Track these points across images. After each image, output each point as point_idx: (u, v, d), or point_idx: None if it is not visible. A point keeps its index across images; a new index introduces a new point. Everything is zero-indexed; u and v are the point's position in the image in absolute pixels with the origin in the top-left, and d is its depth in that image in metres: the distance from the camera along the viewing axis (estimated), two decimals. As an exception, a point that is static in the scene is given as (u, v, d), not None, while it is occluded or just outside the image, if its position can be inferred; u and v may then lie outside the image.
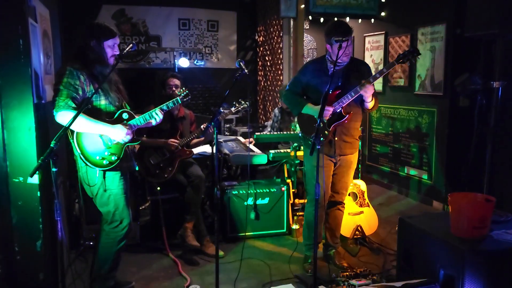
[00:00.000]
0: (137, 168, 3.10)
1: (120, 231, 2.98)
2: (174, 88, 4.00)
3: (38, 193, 2.77)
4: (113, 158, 2.83)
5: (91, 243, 3.86)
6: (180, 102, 3.17)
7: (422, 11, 5.31)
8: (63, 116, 2.65)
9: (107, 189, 2.88)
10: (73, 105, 2.67)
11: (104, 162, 2.81)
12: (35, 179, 2.72)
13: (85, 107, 2.64)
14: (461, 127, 4.92)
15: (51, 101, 2.73)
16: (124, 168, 2.95)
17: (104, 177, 2.86)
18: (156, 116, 2.98)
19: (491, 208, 2.83)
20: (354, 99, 3.23)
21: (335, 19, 5.74)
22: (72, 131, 2.74)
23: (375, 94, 3.40)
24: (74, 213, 4.11)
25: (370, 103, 3.30)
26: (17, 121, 2.70)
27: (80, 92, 2.72)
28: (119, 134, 2.80)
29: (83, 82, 2.73)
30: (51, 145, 2.17)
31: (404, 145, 5.78)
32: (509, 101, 4.01)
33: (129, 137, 2.84)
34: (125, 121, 2.89)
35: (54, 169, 2.21)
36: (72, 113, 2.61)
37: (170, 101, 3.09)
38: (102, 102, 2.84)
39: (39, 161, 2.16)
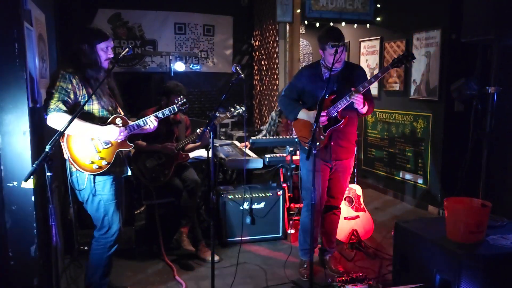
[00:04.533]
0: (129, 173, 3.07)
1: (110, 237, 2.95)
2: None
3: (33, 198, 2.75)
4: (104, 162, 2.81)
5: (86, 248, 3.83)
6: (176, 110, 3.17)
7: (417, 17, 5.34)
8: (54, 119, 2.64)
9: (97, 194, 2.85)
10: (64, 108, 2.66)
11: (94, 166, 2.78)
12: (29, 184, 2.70)
13: (80, 112, 2.63)
14: (457, 132, 4.94)
15: (43, 104, 2.71)
16: (117, 172, 2.93)
17: (94, 182, 2.83)
18: (150, 123, 2.97)
19: (487, 213, 2.83)
20: (349, 104, 3.24)
21: (331, 24, 5.78)
22: (63, 134, 2.71)
23: (371, 98, 3.41)
24: (68, 217, 4.08)
25: (363, 109, 3.30)
26: (11, 125, 2.68)
27: (72, 96, 2.71)
28: (112, 133, 2.78)
29: (75, 86, 2.72)
30: (46, 150, 2.15)
31: (399, 149, 5.79)
32: (505, 107, 4.03)
33: (122, 136, 2.81)
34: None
35: (48, 174, 2.19)
36: (63, 116, 2.60)
37: (167, 108, 3.09)
38: (95, 106, 2.82)
39: (34, 165, 2.15)
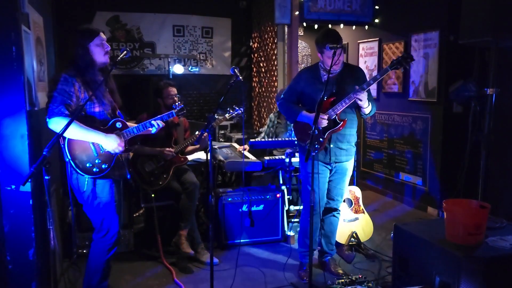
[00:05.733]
0: (128, 177, 3.08)
1: (109, 240, 2.94)
2: (175, 97, 4.00)
3: (31, 201, 2.74)
4: (104, 166, 2.80)
5: (84, 251, 3.82)
6: (174, 116, 3.17)
7: (416, 18, 5.35)
8: (56, 123, 2.63)
9: (97, 197, 2.85)
10: (66, 112, 2.65)
11: (94, 169, 2.78)
12: (27, 187, 2.69)
13: (79, 114, 2.63)
14: (455, 133, 4.94)
15: (44, 108, 2.71)
16: (116, 176, 2.93)
17: (94, 185, 2.83)
18: (157, 125, 2.99)
19: (486, 214, 2.83)
20: (349, 105, 3.23)
21: (329, 26, 5.78)
22: (64, 137, 2.71)
23: (372, 100, 3.41)
24: (67, 221, 4.07)
25: (367, 109, 3.30)
26: (9, 128, 2.67)
27: (74, 99, 2.71)
28: (112, 144, 2.78)
29: (77, 89, 2.72)
30: (44, 153, 2.15)
31: (398, 151, 5.79)
32: (503, 108, 4.03)
33: (121, 149, 2.82)
34: (118, 130, 2.86)
35: (46, 177, 2.18)
36: (65, 120, 2.59)
37: (165, 114, 3.09)
38: (96, 109, 2.82)
39: (32, 169, 2.14)
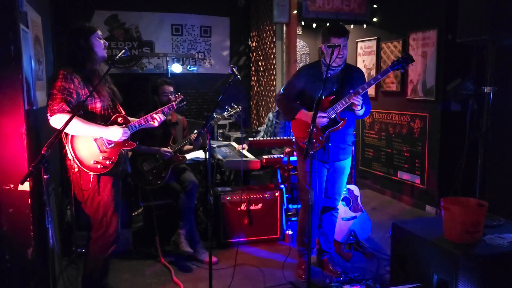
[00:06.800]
0: (129, 170, 3.09)
1: (107, 238, 2.95)
2: (170, 96, 4.00)
3: (29, 200, 2.74)
4: (108, 162, 2.81)
5: (83, 250, 3.82)
6: (175, 107, 3.18)
7: (414, 17, 5.35)
8: (57, 120, 2.63)
9: (99, 195, 2.85)
10: (68, 109, 2.65)
11: (99, 166, 2.79)
12: (26, 186, 2.69)
13: (79, 111, 2.63)
14: (453, 132, 4.96)
15: (44, 106, 2.70)
16: (119, 172, 2.94)
17: (97, 182, 2.84)
18: (157, 118, 3.00)
19: (484, 212, 2.84)
20: (347, 105, 3.24)
21: (327, 24, 5.79)
22: (66, 135, 2.72)
23: (368, 101, 3.41)
24: (66, 219, 4.07)
25: (360, 111, 3.30)
26: (8, 127, 2.67)
27: (75, 96, 2.71)
28: (116, 134, 2.79)
29: (77, 85, 2.72)
30: (43, 152, 2.15)
31: (396, 149, 5.80)
32: (501, 107, 4.04)
33: (127, 135, 2.83)
34: (120, 125, 2.87)
35: (45, 176, 2.18)
36: (66, 117, 2.60)
37: (166, 106, 3.10)
38: (97, 105, 2.82)
39: (30, 168, 2.14)
